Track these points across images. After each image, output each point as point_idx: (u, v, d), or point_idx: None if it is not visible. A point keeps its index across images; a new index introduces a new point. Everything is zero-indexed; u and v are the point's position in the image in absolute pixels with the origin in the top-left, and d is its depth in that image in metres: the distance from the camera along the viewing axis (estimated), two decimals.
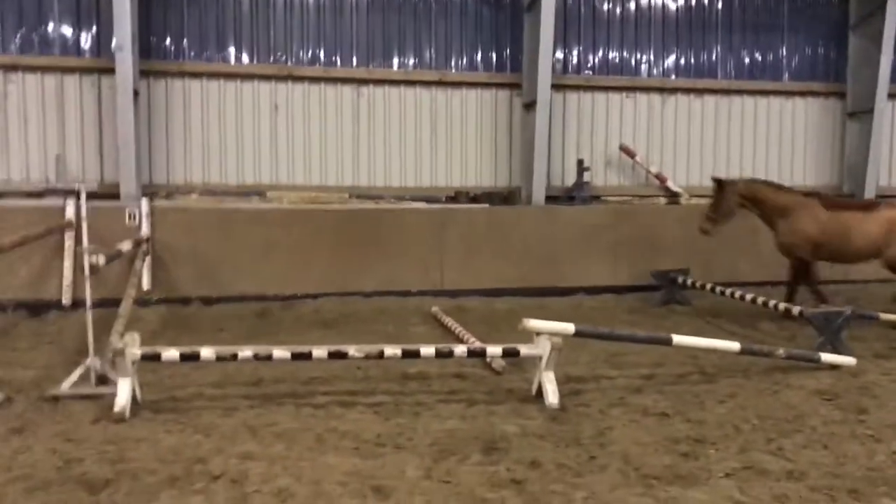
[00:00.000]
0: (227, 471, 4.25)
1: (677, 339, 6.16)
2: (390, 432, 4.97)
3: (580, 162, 11.55)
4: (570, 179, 11.69)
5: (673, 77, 12.25)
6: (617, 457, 4.58)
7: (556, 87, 11.29)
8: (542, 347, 5.65)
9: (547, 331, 5.65)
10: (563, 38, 11.71)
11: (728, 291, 8.82)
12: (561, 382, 5.77)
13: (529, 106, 11.20)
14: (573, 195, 11.46)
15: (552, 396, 5.55)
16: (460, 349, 5.93)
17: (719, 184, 8.91)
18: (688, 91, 12.24)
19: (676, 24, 12.20)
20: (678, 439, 4.90)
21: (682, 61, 12.30)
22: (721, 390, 6.02)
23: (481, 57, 11.61)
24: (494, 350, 5.89)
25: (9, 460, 4.40)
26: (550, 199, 11.30)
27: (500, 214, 10.56)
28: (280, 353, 5.58)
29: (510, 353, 5.83)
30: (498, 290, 10.18)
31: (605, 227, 10.73)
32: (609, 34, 12.04)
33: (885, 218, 8.65)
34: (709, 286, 9.29)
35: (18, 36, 10.16)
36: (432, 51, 11.44)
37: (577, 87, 11.85)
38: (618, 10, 12.02)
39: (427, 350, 5.74)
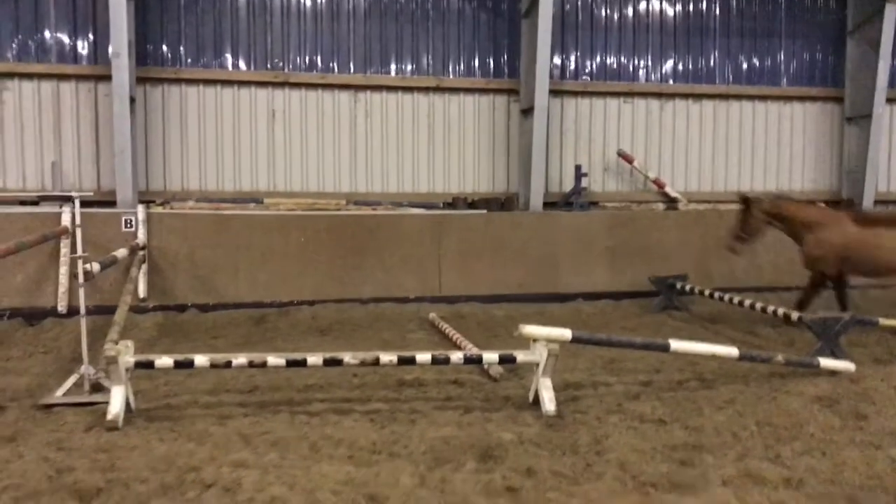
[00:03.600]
0: (220, 479, 4.20)
1: (675, 345, 6.10)
2: (385, 440, 4.92)
3: (578, 168, 11.53)
4: (568, 185, 11.69)
5: (671, 82, 12.27)
6: (613, 464, 4.53)
7: (553, 92, 11.30)
8: (538, 354, 5.60)
9: (544, 337, 5.61)
10: (560, 44, 11.73)
11: (726, 297, 8.78)
12: (558, 389, 5.72)
13: (527, 112, 11.20)
14: (571, 201, 11.44)
15: (549, 403, 5.50)
16: (456, 356, 5.86)
17: (745, 202, 8.77)
18: (686, 96, 12.26)
19: (674, 30, 12.22)
20: (676, 446, 4.85)
21: (680, 66, 12.32)
22: (719, 397, 5.97)
23: (479, 63, 11.62)
24: (491, 356, 5.84)
25: None
26: (548, 205, 11.31)
27: (498, 220, 10.51)
28: (275, 359, 5.54)
29: (507, 360, 5.77)
30: (495, 297, 10.12)
31: (603, 232, 10.69)
32: (607, 40, 12.07)
33: None
34: (707, 292, 9.24)
35: (15, 43, 10.18)
36: (429, 57, 11.45)
37: (574, 93, 11.86)
38: (615, 16, 12.05)
39: (423, 357, 5.69)
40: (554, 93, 11.35)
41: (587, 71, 12.00)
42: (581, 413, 5.55)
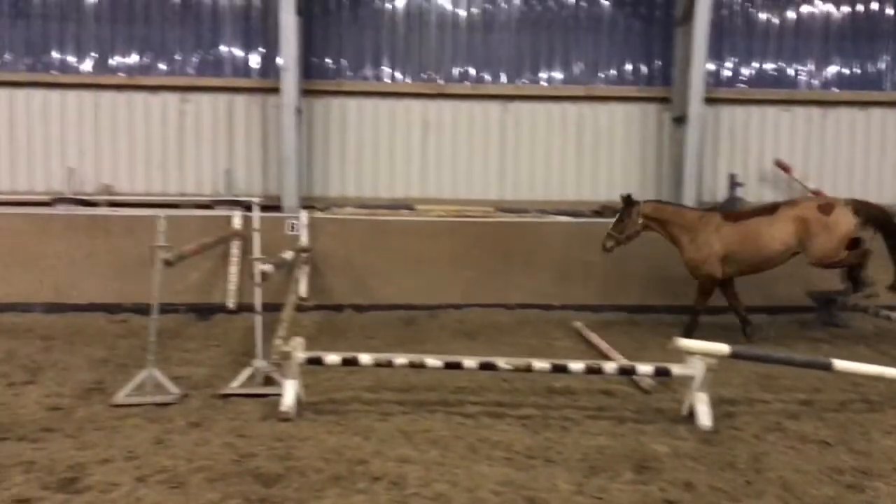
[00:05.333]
0: (387, 473, 4.46)
1: (838, 364, 5.88)
2: (540, 445, 5.04)
3: (732, 177, 11.24)
4: (721, 195, 11.41)
5: (834, 89, 11.70)
6: (775, 483, 4.45)
7: (708, 100, 11.06)
8: (694, 368, 5.56)
9: (700, 351, 5.56)
10: (716, 51, 11.46)
11: (891, 315, 8.31)
12: (713, 404, 5.64)
13: (680, 120, 11.03)
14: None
15: (705, 418, 5.45)
16: (610, 366, 5.91)
17: (627, 202, 8.76)
18: (851, 104, 11.66)
19: (840, 34, 11.67)
20: (841, 470, 4.69)
21: (846, 72, 11.74)
22: (887, 420, 5.70)
23: (630, 71, 11.56)
24: (645, 368, 5.83)
25: (190, 452, 4.79)
26: None
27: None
28: (432, 361, 5.78)
29: (661, 373, 5.76)
30: (642, 307, 10.03)
31: None
32: (766, 45, 11.71)
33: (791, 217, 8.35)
34: (869, 308, 8.78)
35: (196, 58, 11.09)
36: (580, 66, 11.50)
37: (730, 101, 11.58)
38: (776, 21, 11.65)
39: (576, 366, 5.77)
40: (708, 101, 11.10)
41: (744, 78, 11.67)
42: (737, 430, 5.46)
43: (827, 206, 8.31)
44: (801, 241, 8.30)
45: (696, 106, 10.63)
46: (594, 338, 8.25)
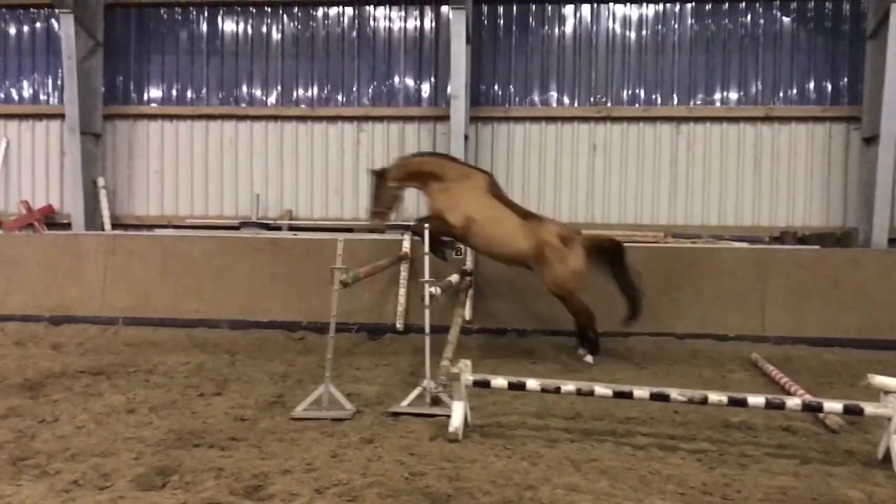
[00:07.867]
0: (556, 501, 4.39)
1: None
2: (716, 482, 4.79)
3: None
4: None
5: None
6: None
7: None
8: (892, 407, 5.10)
9: None
10: None
11: None
12: None
13: (871, 140, 10.28)
14: None
15: None
16: (793, 402, 5.53)
17: (378, 175, 8.69)
18: None
19: None
20: None
21: None
22: None
23: (813, 89, 10.92)
24: (833, 406, 5.41)
25: (364, 467, 4.94)
26: (894, 241, 10.22)
27: (833, 257, 9.70)
28: (601, 389, 5.65)
29: (852, 411, 5.32)
30: (827, 340, 9.36)
31: None
32: None
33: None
34: None
35: (371, 90, 11.63)
36: (758, 84, 11.01)
37: None
38: None
39: (755, 399, 5.45)
40: None
41: None
42: None
43: (567, 238, 8.46)
44: (535, 259, 8.44)
45: (890, 124, 9.88)
46: (774, 371, 7.78)
